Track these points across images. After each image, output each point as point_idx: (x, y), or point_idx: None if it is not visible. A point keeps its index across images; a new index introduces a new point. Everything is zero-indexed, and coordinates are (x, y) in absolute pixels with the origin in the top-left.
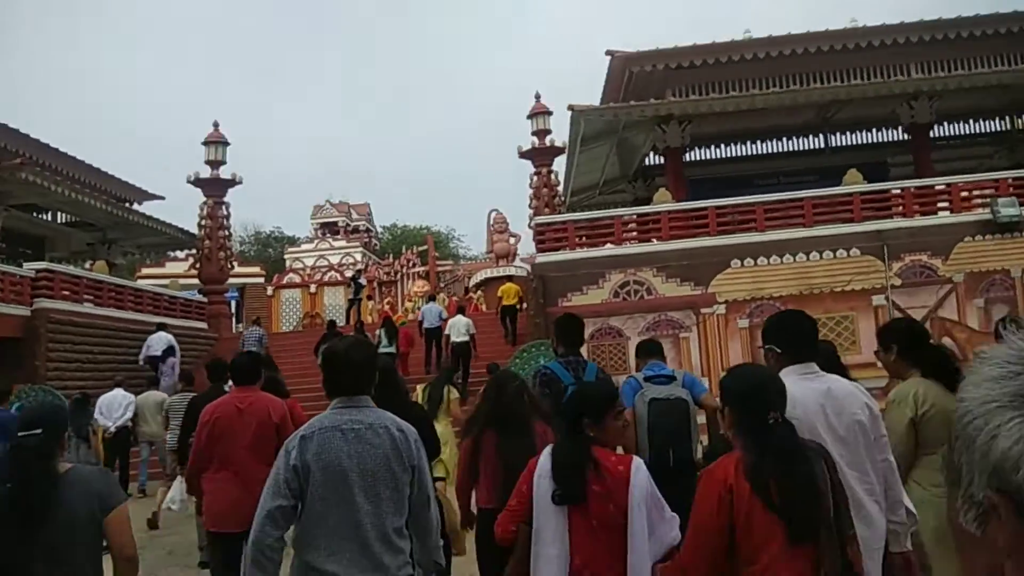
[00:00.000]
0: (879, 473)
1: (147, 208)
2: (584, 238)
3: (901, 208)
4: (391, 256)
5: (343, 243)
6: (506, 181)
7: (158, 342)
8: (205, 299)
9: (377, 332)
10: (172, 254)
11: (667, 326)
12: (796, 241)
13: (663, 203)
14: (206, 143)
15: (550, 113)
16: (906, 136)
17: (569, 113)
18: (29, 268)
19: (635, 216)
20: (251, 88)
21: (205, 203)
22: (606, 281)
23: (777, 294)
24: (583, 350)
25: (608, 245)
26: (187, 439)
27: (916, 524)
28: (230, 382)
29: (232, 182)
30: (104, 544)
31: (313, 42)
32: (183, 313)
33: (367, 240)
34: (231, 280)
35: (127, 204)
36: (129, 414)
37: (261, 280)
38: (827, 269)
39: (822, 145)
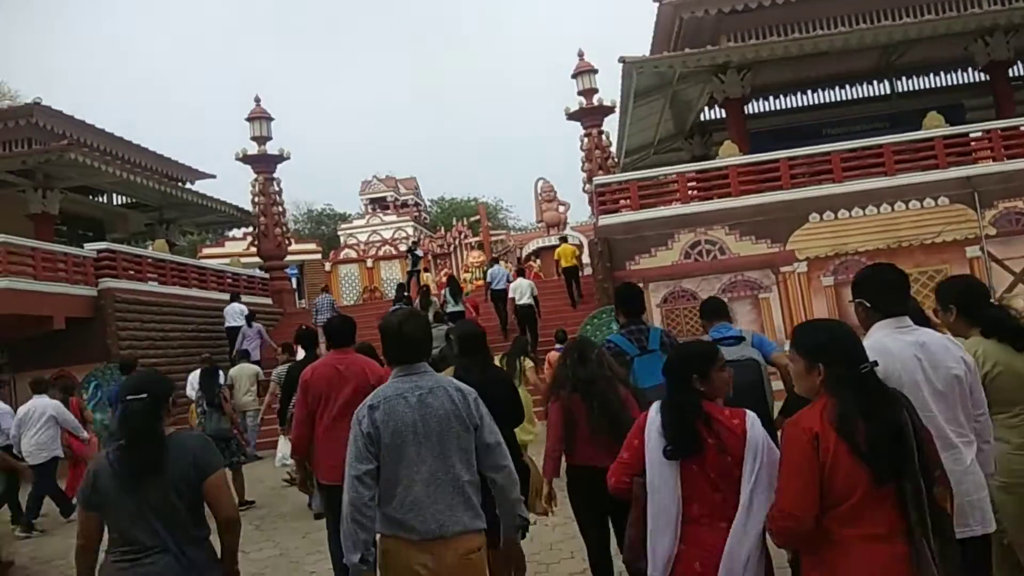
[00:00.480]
0: (973, 426)
1: (199, 187)
2: (648, 197)
3: (989, 152)
4: (443, 228)
5: (394, 217)
6: (554, 148)
7: (232, 313)
8: (267, 275)
9: (443, 292)
10: (230, 233)
11: (745, 287)
12: (878, 191)
13: (730, 156)
14: (250, 119)
15: (595, 71)
16: (983, 76)
17: (619, 67)
18: (91, 248)
19: (701, 171)
20: (288, 62)
21: (256, 180)
22: (675, 242)
23: (862, 248)
24: (656, 314)
25: (675, 204)
26: (288, 404)
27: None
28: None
29: (280, 157)
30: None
31: (346, 16)
32: (247, 289)
33: (416, 214)
34: (289, 257)
35: (180, 183)
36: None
37: (318, 256)
38: (914, 220)
39: (888, 90)
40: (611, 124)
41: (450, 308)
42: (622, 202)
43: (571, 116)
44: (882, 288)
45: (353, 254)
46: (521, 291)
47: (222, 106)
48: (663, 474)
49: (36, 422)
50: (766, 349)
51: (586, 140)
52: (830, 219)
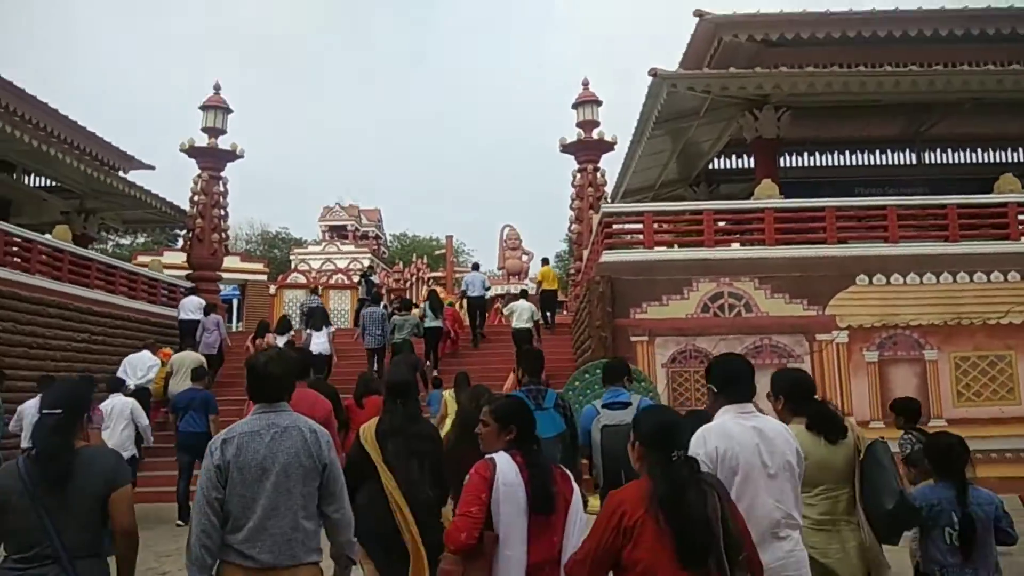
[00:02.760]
0: (800, 506)
1: (134, 178)
2: (665, 234)
3: None
4: (401, 264)
5: (351, 248)
6: (521, 195)
7: (191, 305)
8: (193, 286)
9: (422, 306)
10: (171, 243)
11: (771, 353)
12: (938, 258)
13: (768, 197)
14: (204, 108)
15: (599, 103)
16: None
17: (648, 82)
18: None
19: (732, 211)
20: (259, 83)
21: (199, 176)
22: (693, 291)
23: (915, 322)
24: (661, 376)
25: (696, 247)
26: None
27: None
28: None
29: (232, 154)
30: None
31: (326, 42)
32: (167, 300)
33: (376, 247)
34: (232, 276)
35: (111, 169)
36: (151, 375)
37: (263, 278)
38: (978, 295)
39: (915, 160)
40: (608, 161)
41: (428, 323)
42: (632, 238)
43: (566, 148)
44: (729, 376)
45: (302, 279)
46: (520, 315)
47: (179, 108)
48: (516, 527)
49: None
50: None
51: (579, 176)
52: (880, 284)
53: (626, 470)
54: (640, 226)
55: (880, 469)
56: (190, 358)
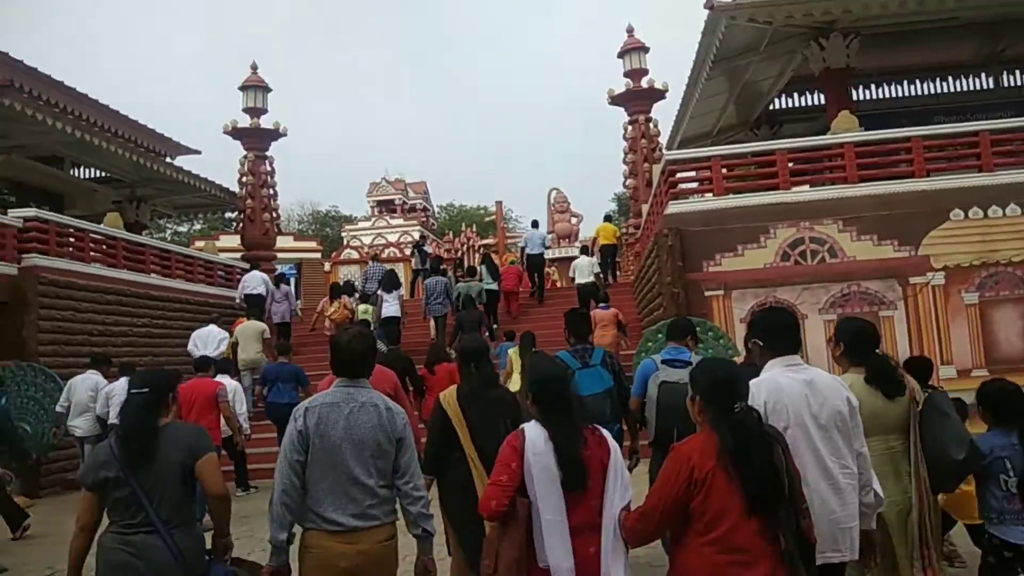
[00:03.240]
0: (855, 459)
1: (181, 164)
2: (736, 180)
3: None
4: (451, 234)
5: (400, 221)
6: (569, 162)
7: (254, 280)
8: (248, 267)
9: (479, 268)
10: (227, 228)
11: (861, 301)
12: None
13: (846, 131)
14: (244, 88)
15: (646, 50)
16: None
17: (704, 17)
18: (15, 216)
19: (808, 148)
20: (295, 63)
21: (245, 157)
22: (771, 238)
23: (1018, 258)
24: (741, 332)
25: (771, 191)
26: None
27: (883, 506)
28: None
29: (275, 133)
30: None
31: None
32: (225, 282)
33: (424, 219)
34: (288, 255)
35: (158, 156)
36: (223, 348)
37: (318, 256)
38: None
39: (992, 84)
40: (660, 111)
41: (487, 286)
42: (703, 184)
43: (615, 100)
44: (774, 330)
45: (355, 255)
46: (582, 270)
47: (221, 89)
48: (551, 492)
49: None
50: None
51: (631, 128)
52: (977, 218)
53: (679, 427)
54: (708, 172)
55: (945, 418)
56: (253, 327)
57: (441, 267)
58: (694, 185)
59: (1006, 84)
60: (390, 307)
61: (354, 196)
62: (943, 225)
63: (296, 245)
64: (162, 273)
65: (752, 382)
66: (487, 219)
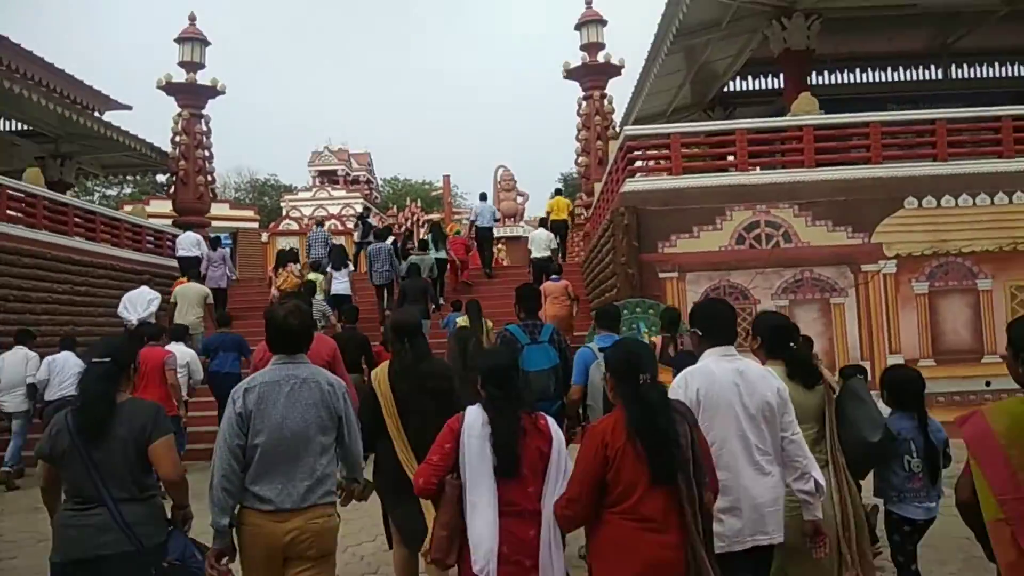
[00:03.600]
0: (779, 448)
1: (111, 120)
2: (695, 160)
3: None
4: (395, 208)
5: (343, 193)
6: (517, 141)
7: (188, 241)
8: (180, 233)
9: (425, 237)
10: (159, 192)
11: (813, 287)
12: (992, 176)
13: (806, 113)
14: (180, 40)
15: (604, 23)
16: None
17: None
18: None
19: (768, 130)
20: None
21: (179, 115)
22: (727, 220)
23: (967, 248)
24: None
25: (729, 172)
26: None
27: (823, 495)
28: None
29: (213, 90)
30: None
31: None
32: (154, 248)
33: (368, 192)
34: (223, 224)
35: (86, 110)
36: (153, 308)
37: (255, 225)
38: None
39: (942, 75)
40: (616, 87)
41: (433, 255)
42: (659, 163)
43: (570, 74)
44: (711, 320)
45: (295, 226)
46: (539, 243)
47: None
48: (483, 473)
49: None
50: None
51: (585, 104)
52: (931, 207)
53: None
54: (667, 151)
55: (861, 403)
56: (195, 290)
57: (388, 233)
58: (652, 164)
59: (954, 76)
60: (340, 284)
61: (295, 166)
62: (897, 213)
63: (232, 213)
64: (86, 236)
65: (686, 370)
66: (433, 194)
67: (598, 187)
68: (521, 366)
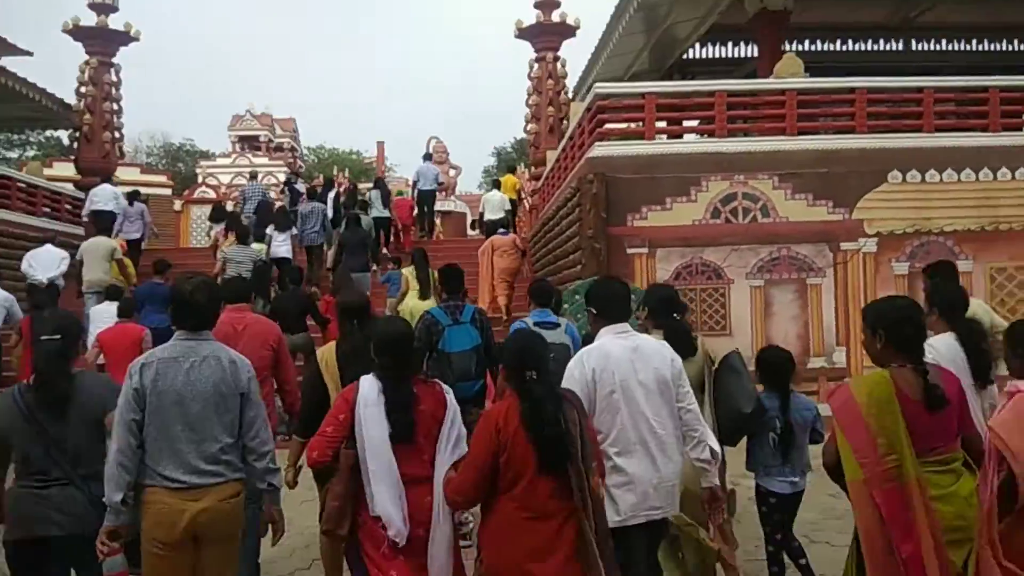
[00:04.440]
0: (677, 419)
1: (8, 65)
2: (670, 124)
3: None
4: (321, 177)
5: (265, 160)
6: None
7: (105, 194)
8: (83, 196)
9: (368, 195)
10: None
11: (790, 266)
12: (978, 151)
13: (792, 75)
14: None
15: None
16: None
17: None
18: None
19: (749, 92)
20: None
21: (87, 63)
22: (702, 191)
23: (949, 227)
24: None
25: (705, 138)
26: None
27: (719, 462)
28: None
29: (126, 36)
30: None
31: None
32: (50, 212)
33: (292, 160)
34: (130, 189)
35: None
36: (63, 268)
37: (168, 192)
38: (1020, 195)
39: (902, 47)
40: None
41: (375, 213)
42: (630, 127)
43: (522, 33)
44: (606, 299)
45: (211, 194)
46: (492, 205)
47: None
48: (379, 445)
49: None
50: (576, 341)
51: (536, 66)
52: (915, 181)
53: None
54: (640, 113)
55: (737, 375)
56: (102, 243)
57: (316, 194)
58: (623, 127)
59: (915, 49)
60: (280, 247)
61: (213, 132)
62: (880, 187)
63: (142, 179)
64: None
65: (583, 349)
66: (366, 163)
67: (551, 155)
68: (443, 347)
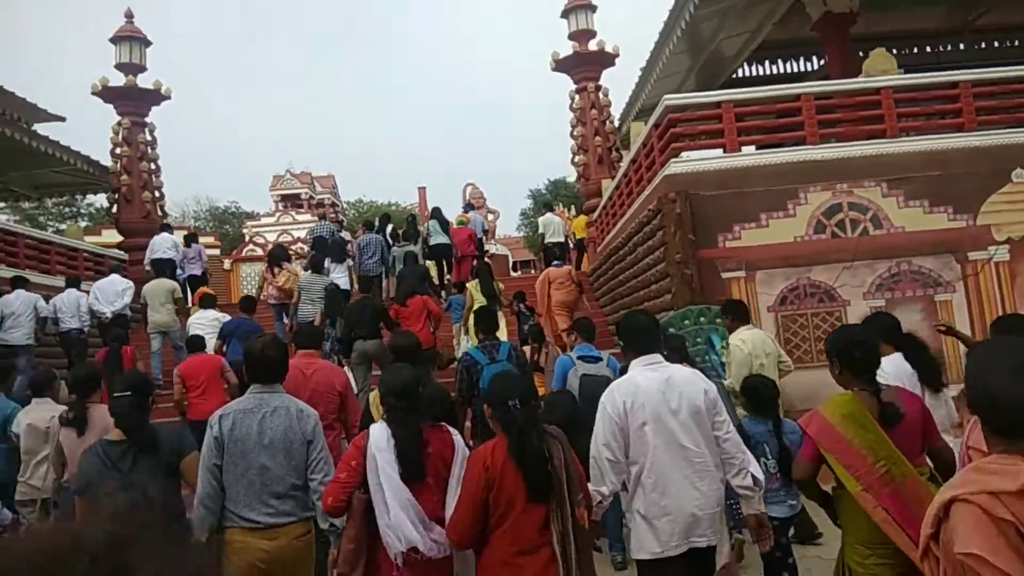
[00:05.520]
0: (714, 447)
1: (43, 132)
2: (751, 133)
3: None
4: (363, 229)
5: (307, 216)
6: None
7: (164, 243)
8: (125, 256)
9: (427, 225)
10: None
11: (912, 282)
12: None
13: (882, 73)
14: (116, 39)
15: (593, 8)
16: None
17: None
18: None
19: (840, 92)
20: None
21: (119, 124)
22: (801, 204)
23: None
24: (769, 322)
25: (797, 146)
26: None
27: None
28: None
29: (157, 94)
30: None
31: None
32: (95, 273)
33: (333, 215)
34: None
35: (12, 121)
36: (127, 299)
37: (216, 252)
38: None
39: (982, 48)
40: (610, 78)
41: (434, 240)
42: (708, 138)
43: (559, 65)
44: (633, 331)
45: (259, 252)
46: (554, 228)
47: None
48: (394, 480)
49: None
50: (618, 372)
51: (578, 97)
52: None
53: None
54: (717, 124)
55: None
56: (163, 285)
57: (386, 227)
58: (695, 141)
59: (976, 48)
60: (340, 278)
61: (257, 193)
62: (1004, 188)
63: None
64: (7, 263)
65: (614, 383)
66: (409, 207)
67: (606, 185)
68: (483, 385)
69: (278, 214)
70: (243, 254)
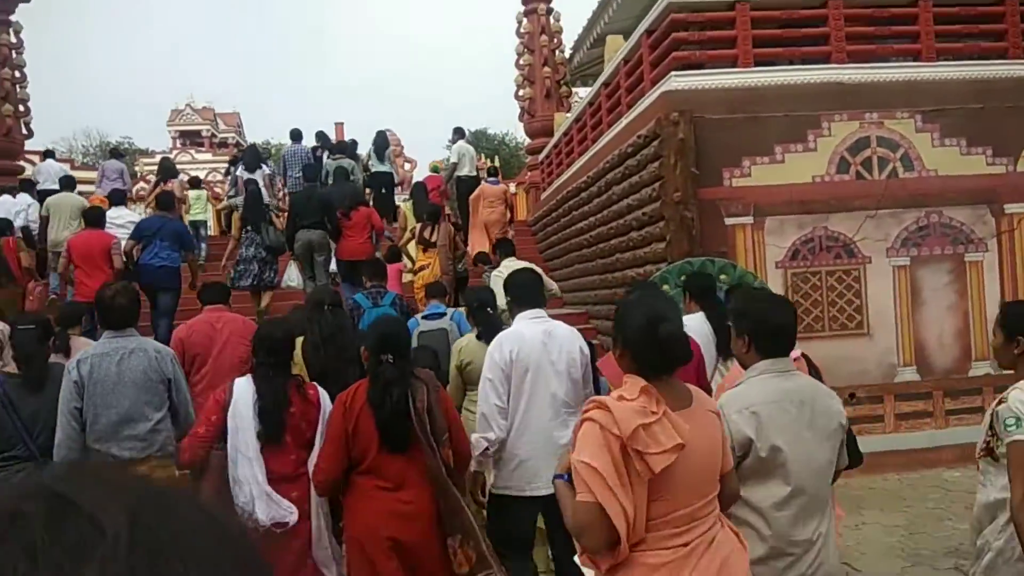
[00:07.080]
0: (581, 399)
1: None
2: (769, 45)
3: None
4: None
5: (209, 156)
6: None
7: (48, 171)
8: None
9: (369, 150)
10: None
11: (941, 238)
12: None
13: None
14: None
15: None
16: None
17: None
18: None
19: (871, 3)
20: None
21: None
22: (823, 135)
23: None
24: (777, 280)
25: (821, 65)
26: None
27: None
28: None
29: None
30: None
31: None
32: None
33: (237, 155)
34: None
35: None
36: (32, 214)
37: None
38: None
39: None
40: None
41: (375, 167)
42: (717, 50)
43: None
44: (519, 287)
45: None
46: (468, 157)
47: None
48: (248, 446)
49: None
50: (462, 328)
51: (526, 20)
52: None
53: (430, 366)
54: (732, 30)
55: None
56: (69, 200)
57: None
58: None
59: None
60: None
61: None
62: None
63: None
64: None
65: (501, 333)
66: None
67: (560, 120)
68: (363, 328)
69: (176, 152)
70: (133, 193)
